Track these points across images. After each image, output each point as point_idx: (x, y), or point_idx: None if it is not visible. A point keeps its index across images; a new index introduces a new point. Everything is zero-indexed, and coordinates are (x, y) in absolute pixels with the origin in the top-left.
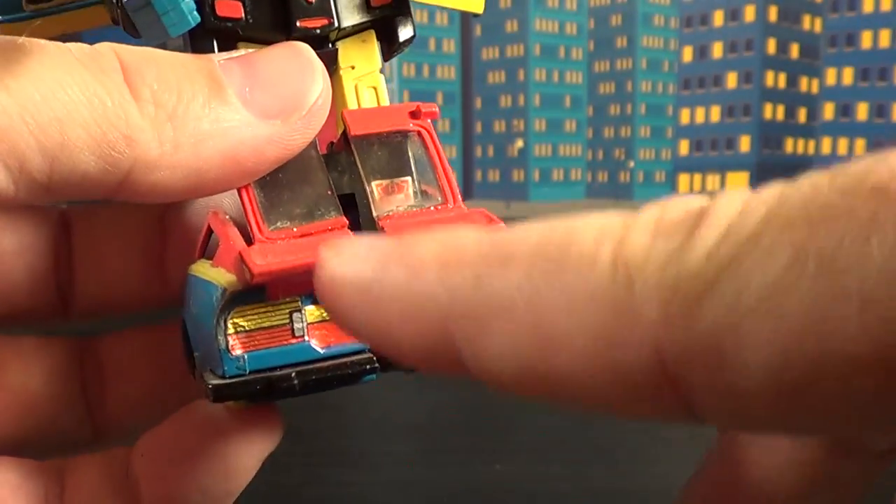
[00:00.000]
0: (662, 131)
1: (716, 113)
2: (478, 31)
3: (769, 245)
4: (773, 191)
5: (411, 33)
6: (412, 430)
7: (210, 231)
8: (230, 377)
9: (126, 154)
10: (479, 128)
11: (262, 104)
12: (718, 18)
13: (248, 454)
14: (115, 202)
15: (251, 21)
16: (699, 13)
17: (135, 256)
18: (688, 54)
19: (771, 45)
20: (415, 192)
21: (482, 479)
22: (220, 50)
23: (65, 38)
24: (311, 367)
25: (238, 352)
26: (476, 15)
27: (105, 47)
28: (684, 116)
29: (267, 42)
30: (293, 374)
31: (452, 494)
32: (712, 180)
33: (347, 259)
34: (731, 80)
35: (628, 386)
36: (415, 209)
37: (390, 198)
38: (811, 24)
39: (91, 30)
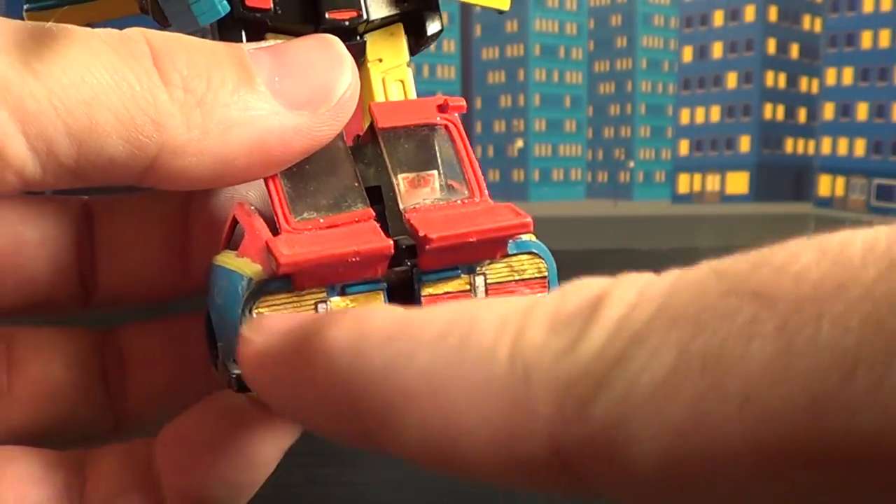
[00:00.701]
0: (662, 131)
1: (716, 113)
2: (478, 31)
3: (657, 345)
4: (665, 284)
5: (439, 27)
6: None
7: (235, 222)
8: None
9: (154, 138)
10: (479, 128)
11: (291, 94)
12: (718, 18)
13: (271, 445)
14: (138, 193)
15: (280, 12)
16: (699, 13)
17: (157, 247)
18: (688, 54)
19: (771, 45)
20: (441, 186)
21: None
22: (248, 41)
23: (91, 27)
24: None
25: None
26: (501, 12)
27: (135, 32)
28: (684, 116)
29: (295, 33)
30: None
31: (452, 494)
32: (712, 180)
33: (266, 338)
34: (731, 80)
35: (529, 472)
36: (441, 202)
37: (416, 191)
38: (811, 24)
39: (118, 19)
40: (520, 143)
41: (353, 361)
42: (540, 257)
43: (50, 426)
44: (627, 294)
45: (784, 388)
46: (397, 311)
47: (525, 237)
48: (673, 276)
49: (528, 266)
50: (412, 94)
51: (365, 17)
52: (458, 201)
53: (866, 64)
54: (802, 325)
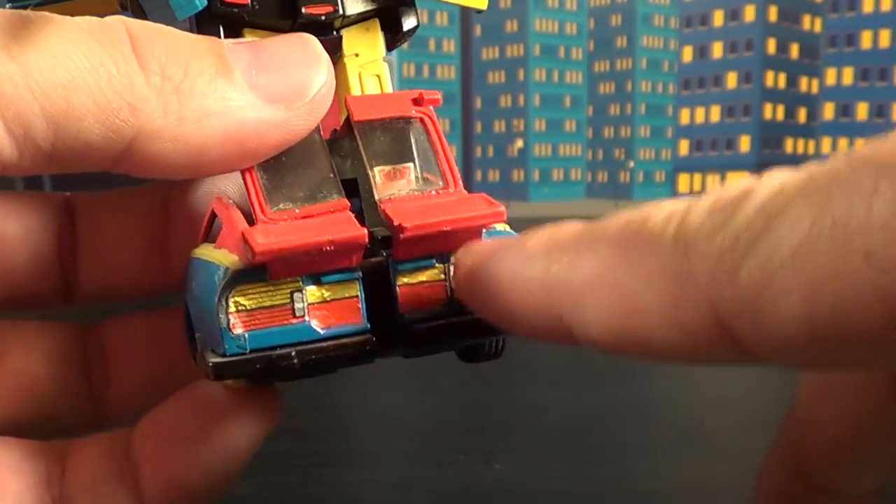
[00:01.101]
0: (662, 131)
1: (716, 113)
2: (478, 31)
3: (796, 214)
4: (806, 170)
5: (415, 23)
6: (412, 430)
7: (213, 217)
8: (231, 355)
9: (130, 122)
10: (479, 128)
11: (267, 88)
12: (718, 18)
13: (247, 434)
14: (118, 189)
15: (257, 7)
16: (699, 13)
17: (138, 243)
18: (688, 54)
19: (771, 45)
20: (416, 178)
21: (482, 479)
22: (225, 36)
23: None
24: (311, 346)
25: (239, 330)
26: (479, 11)
27: (115, 19)
28: (684, 116)
29: (272, 28)
30: (293, 354)
31: (452, 494)
32: (712, 180)
33: (475, 254)
34: (731, 80)
35: (694, 339)
36: (416, 193)
37: (392, 183)
38: (811, 24)
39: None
40: (520, 143)
41: (547, 263)
42: None
43: (31, 418)
44: (773, 181)
45: None
46: (581, 223)
47: (499, 227)
48: (813, 166)
49: None
50: (389, 88)
51: (341, 12)
52: (433, 192)
53: (866, 64)
54: None
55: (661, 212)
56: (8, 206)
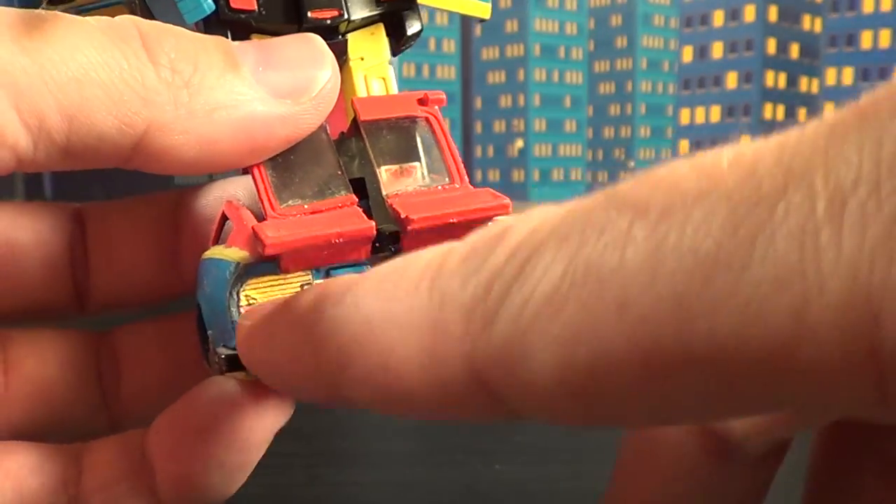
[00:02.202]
0: (662, 131)
1: (716, 113)
2: (478, 31)
3: (548, 260)
4: (563, 209)
5: (419, 28)
6: (412, 430)
7: (223, 220)
8: None
9: (142, 115)
10: (479, 128)
11: (274, 83)
12: (718, 18)
13: (261, 427)
14: (129, 198)
15: (264, 12)
16: (699, 13)
17: (149, 251)
18: (688, 54)
19: (771, 45)
20: (423, 175)
21: (482, 479)
22: (233, 40)
23: None
24: None
25: None
26: (482, 20)
27: (125, 18)
28: (684, 116)
29: (279, 34)
30: None
31: (452, 494)
32: None
33: (252, 320)
34: (731, 80)
35: (457, 397)
36: (422, 188)
37: (399, 181)
38: (811, 24)
39: None
40: (520, 143)
41: (314, 317)
42: None
43: (45, 425)
44: (530, 221)
45: (653, 291)
46: (356, 275)
47: (503, 219)
48: (572, 203)
49: None
50: (394, 91)
51: (346, 16)
52: (439, 187)
53: (866, 64)
54: (669, 231)
55: (419, 261)
56: (20, 217)
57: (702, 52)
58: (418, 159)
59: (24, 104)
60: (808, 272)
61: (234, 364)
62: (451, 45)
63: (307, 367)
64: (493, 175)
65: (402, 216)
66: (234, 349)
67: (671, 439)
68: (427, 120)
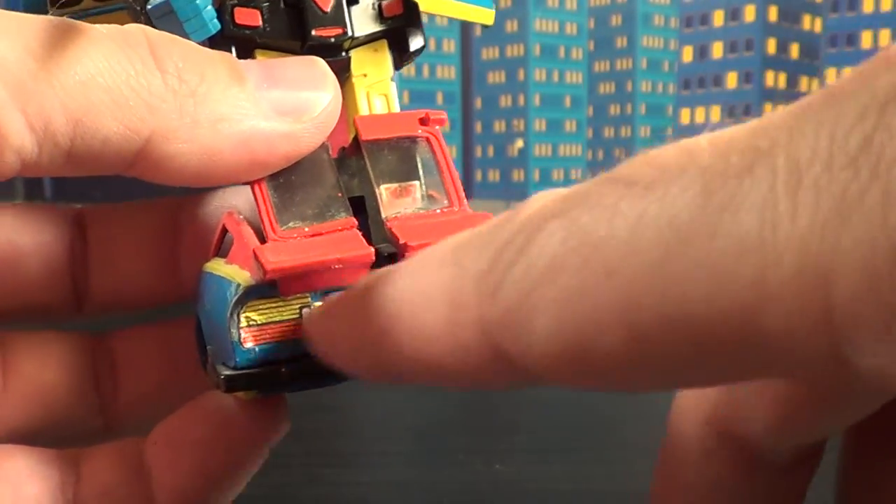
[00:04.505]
0: (662, 131)
1: (716, 113)
2: (478, 30)
3: (551, 230)
4: (571, 188)
5: (421, 43)
6: (412, 430)
7: (224, 231)
8: (242, 368)
9: (146, 121)
10: (479, 128)
11: (277, 101)
12: (718, 18)
13: (256, 444)
14: (130, 202)
15: (268, 29)
16: (699, 13)
17: (148, 255)
18: (688, 54)
19: (771, 45)
20: (422, 196)
21: (482, 479)
22: (238, 55)
23: None
24: (318, 359)
25: (250, 344)
26: (486, 26)
27: (133, 27)
28: (684, 116)
29: (283, 50)
30: (302, 366)
31: (452, 494)
32: None
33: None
34: (731, 80)
35: (475, 360)
36: (421, 211)
37: (399, 201)
38: (811, 24)
39: None
40: (520, 143)
41: (365, 296)
42: None
43: (42, 427)
44: (539, 199)
45: (636, 259)
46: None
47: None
48: (576, 185)
49: None
50: (395, 108)
51: (350, 34)
52: (438, 210)
53: None
54: (650, 203)
55: (447, 241)
56: (21, 220)
57: (702, 52)
58: (418, 179)
59: (31, 107)
60: (767, 243)
61: (233, 384)
62: (451, 45)
63: (358, 341)
64: (493, 175)
65: (401, 242)
66: (234, 369)
67: (699, 447)
68: (428, 140)
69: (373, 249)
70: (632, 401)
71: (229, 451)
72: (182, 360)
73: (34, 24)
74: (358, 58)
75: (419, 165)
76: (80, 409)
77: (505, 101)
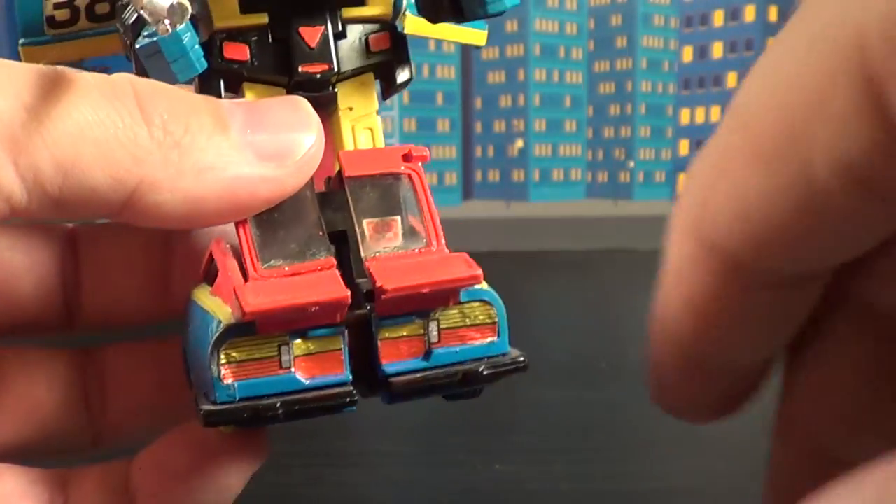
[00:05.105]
0: (662, 131)
1: (716, 113)
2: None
3: None
4: None
5: (408, 76)
6: (412, 430)
7: (212, 257)
8: (221, 403)
9: (133, 172)
10: (479, 128)
11: (260, 146)
12: (718, 18)
13: (237, 473)
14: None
15: (256, 63)
16: (699, 13)
17: (139, 273)
18: (688, 54)
19: None
20: (403, 232)
21: (482, 479)
22: (226, 90)
23: (83, 63)
24: (295, 397)
25: (229, 381)
26: (478, 47)
27: (121, 77)
28: (684, 116)
29: (271, 83)
30: (278, 404)
31: (452, 494)
32: None
33: None
34: (731, 80)
35: None
36: (400, 251)
37: (379, 236)
38: None
39: (111, 56)
40: (520, 143)
41: None
42: (490, 304)
43: (32, 440)
44: None
45: None
46: None
47: (479, 286)
48: None
49: (480, 313)
50: (380, 142)
51: (335, 69)
52: (416, 250)
53: None
54: None
55: None
56: (13, 237)
57: (702, 52)
58: (399, 214)
59: (21, 157)
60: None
61: (211, 420)
62: (450, 45)
63: None
64: (493, 175)
65: (378, 285)
66: (214, 403)
67: (692, 264)
68: (409, 177)
69: (348, 292)
70: (630, 402)
71: (211, 480)
72: (171, 377)
73: (26, 75)
74: (344, 91)
75: (401, 202)
76: (69, 425)
77: (505, 101)
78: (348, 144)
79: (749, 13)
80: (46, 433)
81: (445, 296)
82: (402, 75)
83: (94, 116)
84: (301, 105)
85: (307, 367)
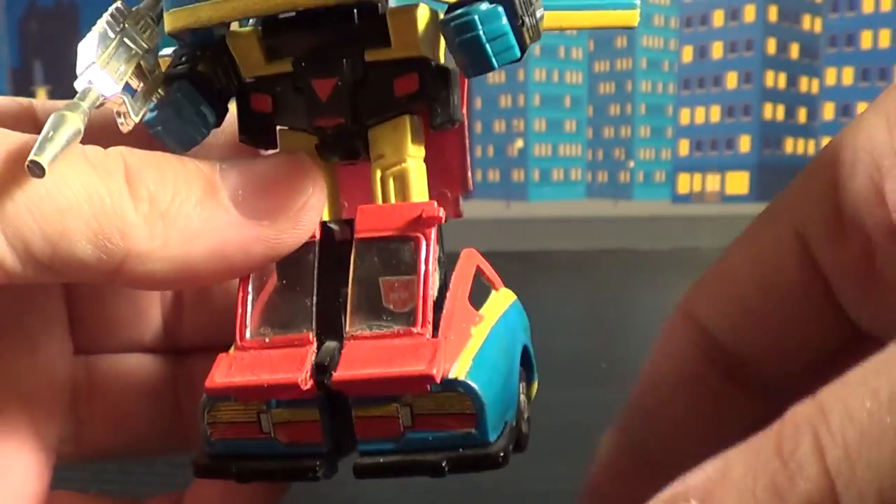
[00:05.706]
0: (662, 131)
1: (716, 113)
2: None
3: None
4: None
5: (447, 118)
6: None
7: None
8: (210, 456)
9: (120, 246)
10: (479, 128)
11: (252, 206)
12: (718, 18)
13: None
14: None
15: (280, 115)
16: (699, 13)
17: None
18: (688, 54)
19: (771, 45)
20: (395, 300)
21: (482, 478)
22: (260, 133)
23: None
24: (272, 462)
25: (215, 438)
26: (631, 28)
27: (114, 151)
28: (684, 116)
29: (297, 128)
30: (256, 465)
31: (452, 494)
32: (712, 180)
33: None
34: (731, 80)
35: None
36: (382, 329)
37: (367, 308)
38: (811, 24)
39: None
40: (520, 143)
41: None
42: (467, 396)
43: (124, 447)
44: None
45: None
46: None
47: (452, 374)
48: None
49: (456, 403)
50: (411, 191)
51: (348, 123)
52: (397, 330)
53: (866, 64)
54: None
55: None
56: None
57: (702, 52)
58: (397, 279)
59: (10, 230)
60: None
61: (200, 471)
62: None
63: None
64: (493, 175)
65: (335, 375)
66: (205, 454)
67: (686, 366)
68: (417, 242)
69: (303, 376)
70: None
71: None
72: None
73: (18, 146)
74: (376, 136)
75: (402, 268)
76: (159, 429)
77: (505, 101)
78: (377, 195)
79: (749, 13)
80: (137, 438)
81: (405, 386)
82: (440, 117)
83: (82, 192)
84: (300, 161)
85: (287, 432)
